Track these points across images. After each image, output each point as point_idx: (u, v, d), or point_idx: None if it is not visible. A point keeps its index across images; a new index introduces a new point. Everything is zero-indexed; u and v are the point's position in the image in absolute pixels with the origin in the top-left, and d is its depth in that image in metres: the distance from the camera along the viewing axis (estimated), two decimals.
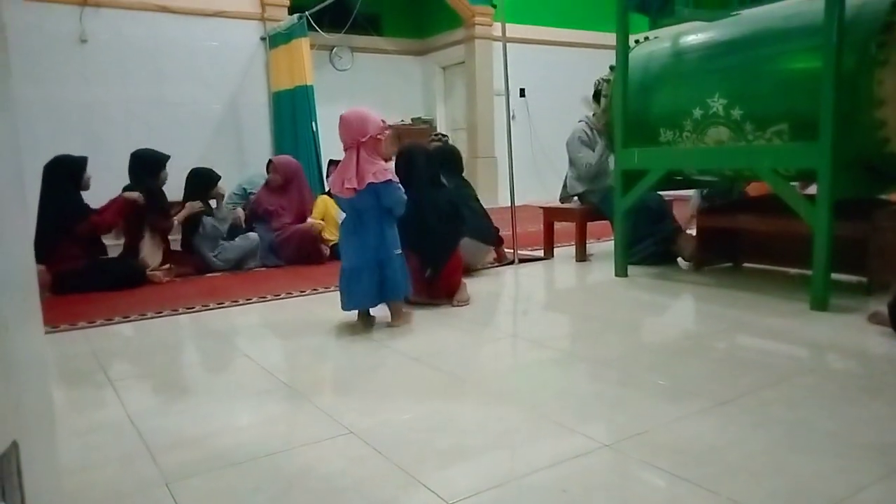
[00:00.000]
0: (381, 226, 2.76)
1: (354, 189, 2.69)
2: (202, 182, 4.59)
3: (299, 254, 4.65)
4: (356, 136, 2.70)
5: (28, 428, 0.64)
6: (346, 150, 2.78)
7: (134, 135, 6.46)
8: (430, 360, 2.35)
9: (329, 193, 2.81)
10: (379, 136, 2.75)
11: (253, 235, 4.63)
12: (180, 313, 3.26)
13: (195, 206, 4.45)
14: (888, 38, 2.63)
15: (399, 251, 2.82)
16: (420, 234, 3.08)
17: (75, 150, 4.22)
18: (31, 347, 0.70)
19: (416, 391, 2.05)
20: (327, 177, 4.91)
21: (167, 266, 4.30)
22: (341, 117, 2.77)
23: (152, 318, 3.19)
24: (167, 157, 4.38)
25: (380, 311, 2.89)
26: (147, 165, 4.31)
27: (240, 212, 4.88)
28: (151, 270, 4.15)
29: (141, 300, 3.55)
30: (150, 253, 4.25)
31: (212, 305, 3.38)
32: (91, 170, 4.12)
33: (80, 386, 2.25)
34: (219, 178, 4.66)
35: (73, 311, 3.30)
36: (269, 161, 5.15)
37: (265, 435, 1.77)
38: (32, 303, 0.75)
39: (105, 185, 4.32)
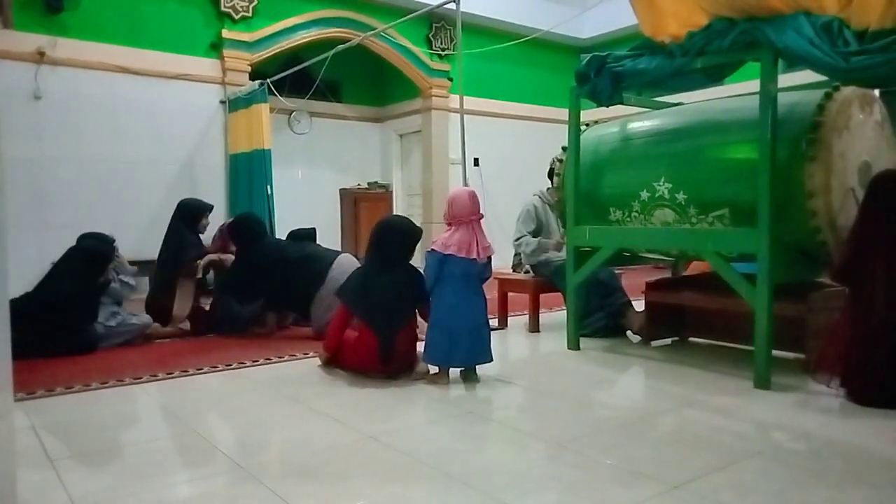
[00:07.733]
0: (482, 291, 3.14)
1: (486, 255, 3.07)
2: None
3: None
4: (471, 213, 3.08)
5: None
6: (453, 223, 3.10)
7: (83, 192, 6.36)
8: (387, 438, 2.33)
9: (435, 253, 3.02)
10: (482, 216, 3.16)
11: None
12: (127, 384, 3.15)
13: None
14: (816, 136, 2.86)
15: None
16: (382, 308, 3.13)
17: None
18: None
19: (373, 473, 2.03)
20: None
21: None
22: (457, 196, 3.12)
23: (97, 388, 3.07)
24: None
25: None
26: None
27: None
28: (178, 325, 4.14)
29: (85, 369, 3.41)
30: (182, 304, 4.17)
31: (161, 375, 3.28)
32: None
33: (19, 467, 2.13)
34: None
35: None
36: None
37: None
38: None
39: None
